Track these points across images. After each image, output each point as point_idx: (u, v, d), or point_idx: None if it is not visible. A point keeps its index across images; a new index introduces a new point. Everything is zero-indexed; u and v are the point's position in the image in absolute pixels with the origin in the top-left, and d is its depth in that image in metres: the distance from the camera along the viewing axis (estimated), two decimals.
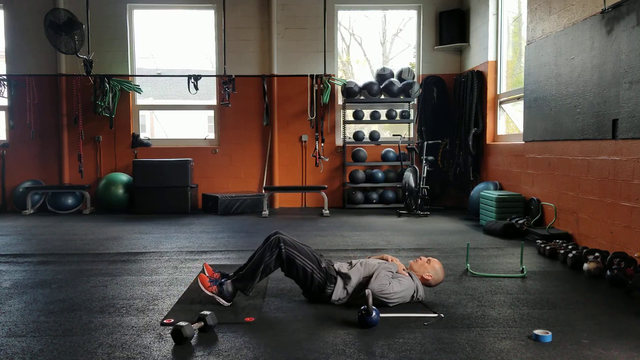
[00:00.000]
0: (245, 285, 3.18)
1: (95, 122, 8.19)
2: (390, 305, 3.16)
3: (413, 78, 8.41)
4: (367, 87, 8.27)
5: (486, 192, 6.46)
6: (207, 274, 3.32)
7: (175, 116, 18.39)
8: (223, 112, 8.36)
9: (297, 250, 3.19)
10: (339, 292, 3.22)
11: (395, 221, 6.87)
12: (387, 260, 3.38)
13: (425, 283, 3.35)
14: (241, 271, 3.26)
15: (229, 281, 3.21)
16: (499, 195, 6.12)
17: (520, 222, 5.66)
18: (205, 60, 16.00)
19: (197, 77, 7.73)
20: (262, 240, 3.46)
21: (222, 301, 3.18)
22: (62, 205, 7.92)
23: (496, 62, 7.38)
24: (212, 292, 3.18)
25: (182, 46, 20.79)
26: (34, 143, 8.19)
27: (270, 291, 3.53)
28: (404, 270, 3.34)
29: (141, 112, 9.81)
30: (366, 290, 2.87)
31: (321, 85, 8.05)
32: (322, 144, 8.14)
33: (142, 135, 8.87)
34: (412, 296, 3.23)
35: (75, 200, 8.03)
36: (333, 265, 3.34)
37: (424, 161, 7.55)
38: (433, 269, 3.36)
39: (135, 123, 8.54)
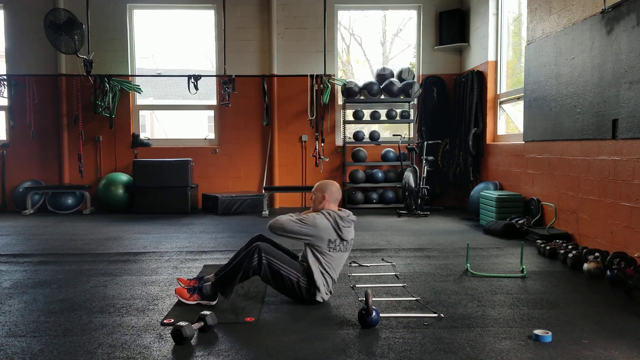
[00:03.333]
0: (223, 289, 3.19)
1: (95, 122, 8.19)
2: (317, 243, 3.20)
3: (413, 78, 8.41)
4: (367, 87, 8.27)
5: (486, 192, 6.46)
6: (183, 285, 3.34)
7: (175, 116, 18.40)
8: (223, 112, 8.36)
9: (279, 259, 3.18)
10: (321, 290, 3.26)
11: (395, 221, 6.86)
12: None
13: (333, 200, 3.35)
14: (222, 272, 3.26)
15: (207, 284, 3.24)
16: (499, 195, 6.12)
17: (520, 222, 5.66)
18: (205, 60, 16.02)
19: (197, 77, 7.73)
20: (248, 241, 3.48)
21: (208, 302, 3.21)
22: (62, 205, 7.92)
23: (496, 62, 7.38)
24: (196, 300, 3.22)
25: (182, 46, 20.82)
26: (34, 143, 8.19)
27: (270, 291, 3.53)
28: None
29: (141, 112, 9.81)
30: (366, 290, 2.87)
31: (321, 85, 8.04)
32: (322, 144, 8.14)
33: (142, 135, 8.87)
34: (332, 224, 3.22)
35: (75, 200, 8.03)
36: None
37: (424, 161, 7.55)
38: (320, 191, 3.36)
39: (135, 123, 8.54)
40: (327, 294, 3.28)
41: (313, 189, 3.44)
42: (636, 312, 3.12)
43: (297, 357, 2.46)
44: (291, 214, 3.29)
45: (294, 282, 3.18)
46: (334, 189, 3.40)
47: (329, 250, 3.24)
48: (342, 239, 3.27)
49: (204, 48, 18.67)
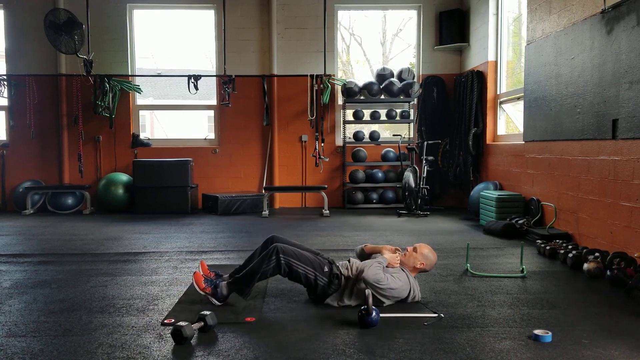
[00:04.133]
0: (241, 289, 3.19)
1: (95, 122, 8.19)
2: (385, 302, 3.15)
3: (413, 78, 8.41)
4: (367, 87, 8.27)
5: (486, 192, 6.46)
6: (202, 273, 3.33)
7: (175, 116, 18.41)
8: (223, 112, 8.36)
9: (296, 259, 3.16)
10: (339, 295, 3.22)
11: (395, 221, 6.86)
12: (380, 254, 3.34)
13: (422, 270, 3.36)
14: (237, 274, 3.26)
15: (224, 283, 3.23)
16: (499, 195, 6.12)
17: (520, 222, 5.66)
18: (205, 60, 16.04)
19: (197, 77, 7.73)
20: (262, 240, 3.49)
21: (215, 301, 3.21)
22: (62, 205, 7.92)
23: (496, 62, 7.38)
24: (206, 293, 3.21)
25: (182, 46, 20.85)
26: (34, 143, 8.19)
27: (270, 291, 3.53)
28: (398, 264, 3.30)
29: (141, 112, 9.81)
30: (366, 291, 2.87)
31: (321, 85, 8.04)
32: (322, 144, 8.14)
33: (142, 135, 8.87)
34: (408, 295, 3.21)
35: (75, 200, 8.03)
36: (337, 266, 3.32)
37: (424, 161, 7.55)
38: (422, 255, 3.35)
39: (135, 123, 8.54)
40: (338, 305, 3.24)
41: (417, 246, 3.40)
42: (636, 312, 3.12)
43: (297, 357, 2.46)
44: (380, 262, 3.19)
45: (310, 279, 3.17)
46: (433, 264, 3.40)
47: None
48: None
49: (204, 48, 18.69)
